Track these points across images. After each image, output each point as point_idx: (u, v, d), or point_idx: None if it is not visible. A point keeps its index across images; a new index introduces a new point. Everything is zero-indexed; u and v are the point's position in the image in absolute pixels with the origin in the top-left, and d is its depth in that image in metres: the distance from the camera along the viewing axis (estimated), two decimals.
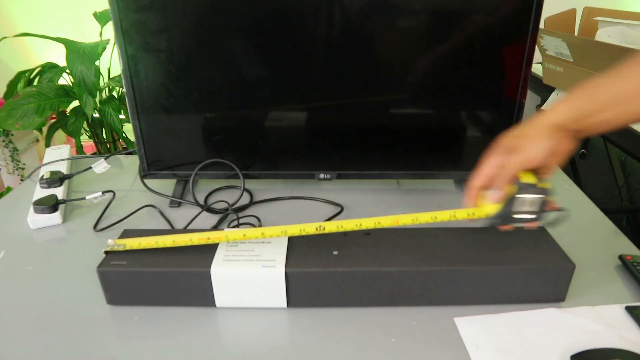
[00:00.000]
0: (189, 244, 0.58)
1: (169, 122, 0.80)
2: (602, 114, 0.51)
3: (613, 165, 1.67)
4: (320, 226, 0.57)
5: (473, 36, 0.73)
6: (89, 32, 1.92)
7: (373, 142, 0.82)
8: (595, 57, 1.21)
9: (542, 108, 1.42)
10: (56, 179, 0.84)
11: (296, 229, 0.57)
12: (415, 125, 0.81)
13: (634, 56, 0.52)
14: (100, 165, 0.90)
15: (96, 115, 1.79)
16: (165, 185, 0.87)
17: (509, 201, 0.54)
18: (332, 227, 0.57)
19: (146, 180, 0.85)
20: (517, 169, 0.53)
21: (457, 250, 0.59)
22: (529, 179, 0.53)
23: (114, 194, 0.83)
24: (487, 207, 0.56)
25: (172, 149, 0.83)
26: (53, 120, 1.80)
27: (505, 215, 0.54)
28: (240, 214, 0.79)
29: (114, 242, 0.59)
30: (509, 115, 0.79)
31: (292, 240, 0.60)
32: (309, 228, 0.57)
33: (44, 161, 0.95)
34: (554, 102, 0.54)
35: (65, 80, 1.81)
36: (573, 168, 1.70)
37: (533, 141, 0.52)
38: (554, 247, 0.59)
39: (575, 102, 0.53)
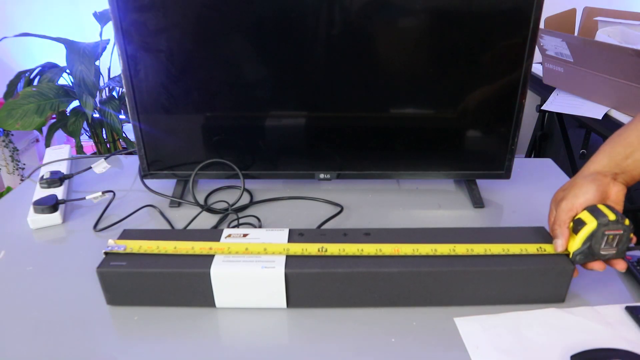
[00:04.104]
0: (190, 252, 0.58)
1: (169, 122, 0.80)
2: (636, 153, 0.57)
3: None
4: (322, 247, 0.58)
5: (473, 36, 0.73)
6: (89, 32, 1.92)
7: (373, 142, 0.82)
8: (595, 57, 1.21)
9: (542, 108, 1.42)
10: (56, 179, 0.84)
11: (298, 248, 0.58)
12: (415, 125, 0.81)
13: None
14: (100, 165, 0.90)
15: (96, 115, 1.79)
16: (165, 185, 0.87)
17: (589, 237, 0.54)
18: (334, 249, 0.58)
19: (146, 180, 0.85)
20: (567, 214, 0.57)
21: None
22: (609, 215, 0.54)
23: (114, 194, 0.84)
24: (569, 244, 0.57)
25: (172, 149, 0.83)
26: (53, 120, 1.80)
27: (587, 251, 0.55)
28: (240, 214, 0.79)
29: (114, 242, 0.59)
30: (509, 115, 0.79)
31: (291, 241, 0.60)
32: (311, 248, 0.58)
33: (44, 161, 0.95)
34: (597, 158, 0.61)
35: (65, 80, 1.81)
36: (573, 168, 1.70)
37: (578, 187, 0.57)
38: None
39: (608, 150, 0.59)
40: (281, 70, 0.77)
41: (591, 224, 0.54)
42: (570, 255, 0.56)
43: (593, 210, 0.55)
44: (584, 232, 0.54)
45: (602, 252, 0.55)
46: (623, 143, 0.58)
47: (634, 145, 0.57)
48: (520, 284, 0.57)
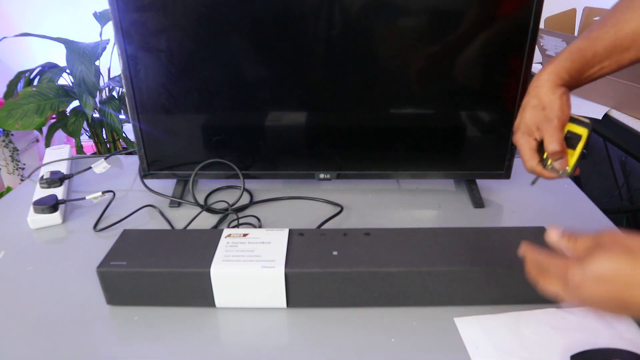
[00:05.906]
0: None
1: (169, 122, 0.80)
2: (594, 68, 0.54)
3: (613, 165, 1.67)
4: None
5: (473, 36, 0.73)
6: (89, 32, 1.92)
7: (373, 142, 0.82)
8: None
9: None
10: (56, 179, 0.84)
11: None
12: (415, 125, 0.81)
13: (622, 5, 0.54)
14: (100, 165, 0.90)
15: (96, 115, 1.79)
16: (165, 185, 0.87)
17: (585, 145, 0.53)
18: None
19: (146, 180, 0.85)
20: (561, 133, 0.53)
21: (457, 251, 0.59)
22: (584, 119, 0.53)
23: (114, 194, 0.83)
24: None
25: (172, 149, 0.83)
26: (53, 120, 1.80)
27: (580, 159, 0.53)
28: (240, 214, 0.79)
29: None
30: (509, 115, 0.79)
31: (291, 241, 0.60)
32: None
33: (44, 161, 0.95)
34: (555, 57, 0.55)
35: (65, 80, 1.81)
36: None
37: (553, 105, 0.52)
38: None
39: (575, 56, 0.54)
40: (281, 70, 0.77)
41: (584, 133, 0.53)
42: (569, 170, 0.54)
43: (574, 120, 0.54)
44: (581, 144, 0.53)
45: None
46: (591, 48, 0.53)
47: (601, 56, 0.53)
48: (520, 284, 0.57)
